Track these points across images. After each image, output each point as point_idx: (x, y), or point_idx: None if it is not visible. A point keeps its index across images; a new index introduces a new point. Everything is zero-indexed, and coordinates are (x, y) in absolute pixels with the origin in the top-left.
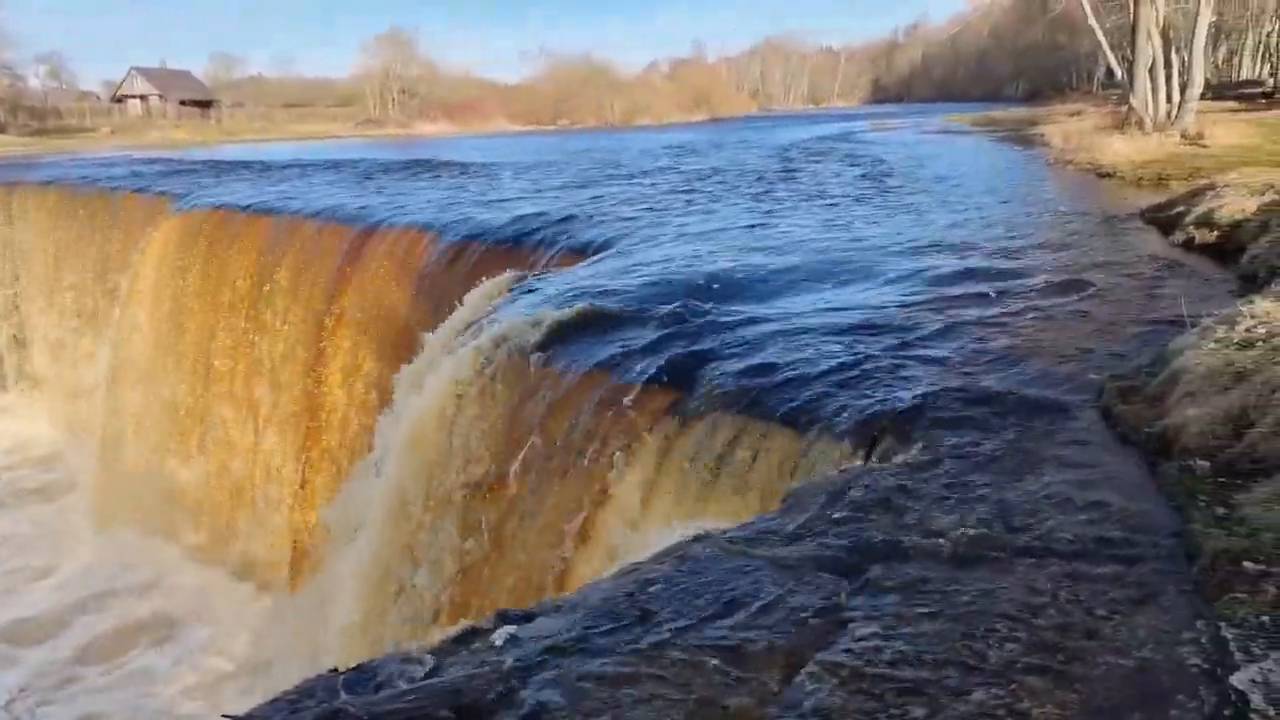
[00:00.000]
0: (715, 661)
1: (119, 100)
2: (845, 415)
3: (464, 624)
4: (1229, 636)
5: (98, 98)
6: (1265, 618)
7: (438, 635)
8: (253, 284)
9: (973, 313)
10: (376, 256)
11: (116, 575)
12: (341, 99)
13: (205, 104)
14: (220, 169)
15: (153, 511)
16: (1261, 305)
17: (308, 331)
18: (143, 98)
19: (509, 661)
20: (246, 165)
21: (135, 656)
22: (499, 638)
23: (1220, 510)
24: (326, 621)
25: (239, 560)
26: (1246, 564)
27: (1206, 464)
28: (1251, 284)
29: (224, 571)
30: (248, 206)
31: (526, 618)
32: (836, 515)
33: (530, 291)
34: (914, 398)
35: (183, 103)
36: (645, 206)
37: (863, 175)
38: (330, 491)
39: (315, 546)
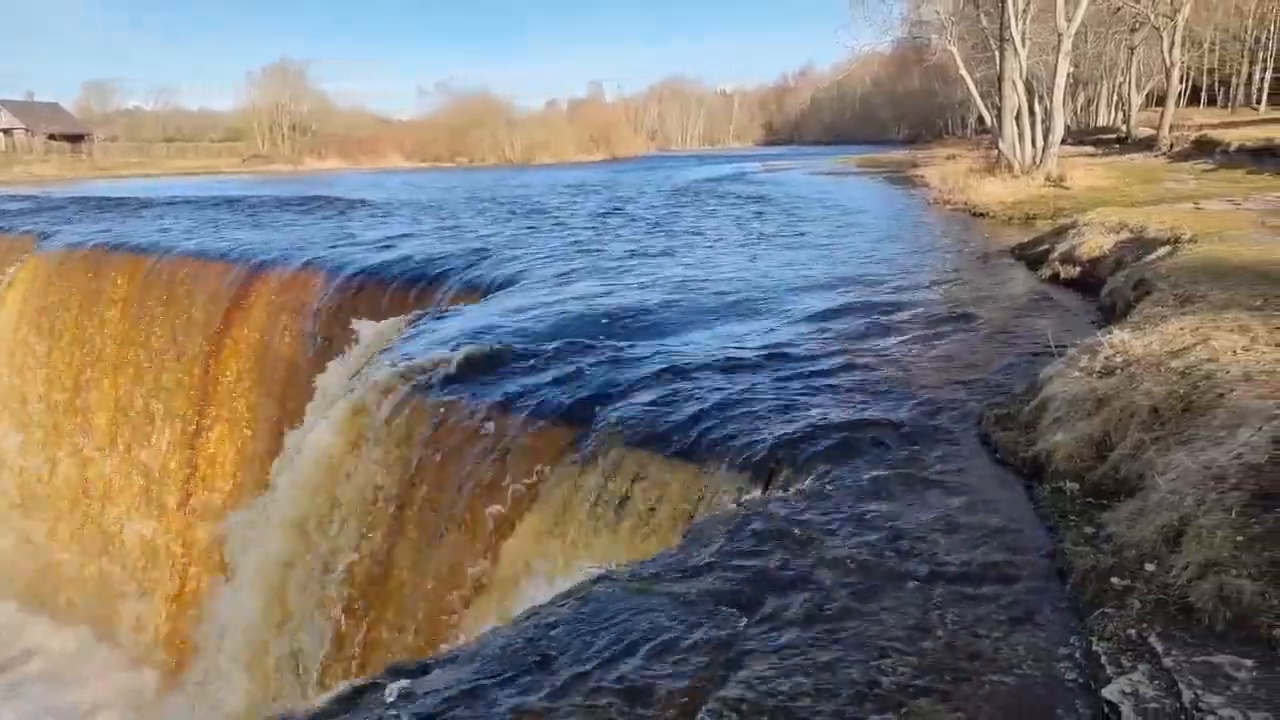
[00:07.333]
0: (615, 704)
1: None
2: (743, 448)
3: (353, 681)
4: (1100, 651)
5: None
6: (1132, 631)
7: (326, 695)
8: (127, 329)
9: (860, 346)
10: (265, 297)
11: None
12: (228, 133)
13: (76, 138)
14: (89, 206)
15: (19, 581)
16: (1119, 335)
17: (190, 379)
18: (6, 131)
19: (401, 719)
20: (120, 203)
21: None
22: (391, 693)
23: (1089, 529)
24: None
25: (116, 629)
26: (1114, 580)
27: (1075, 485)
28: (1111, 315)
29: (99, 642)
30: (119, 245)
31: (421, 670)
32: (736, 548)
33: (427, 331)
34: (807, 429)
35: (51, 137)
36: (545, 244)
37: (755, 215)
38: (214, 551)
39: (198, 606)
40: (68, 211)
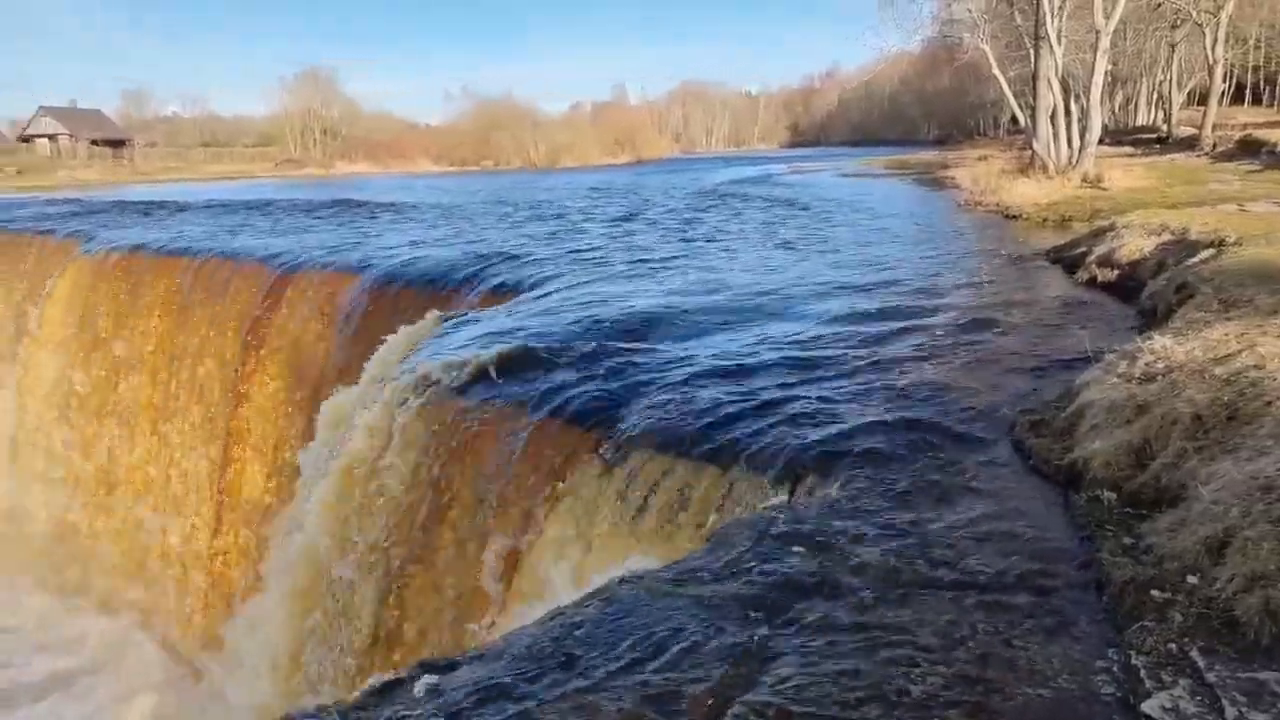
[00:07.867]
0: (640, 706)
1: (26, 140)
2: (769, 452)
3: (383, 676)
4: (1139, 665)
5: (3, 137)
6: (1172, 645)
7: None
8: (166, 329)
9: (889, 351)
10: (297, 298)
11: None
12: (260, 138)
13: (117, 143)
14: (131, 209)
15: (61, 570)
16: (1160, 341)
17: (225, 377)
18: (51, 137)
19: (429, 713)
20: (160, 206)
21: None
22: (420, 689)
23: (1127, 540)
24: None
25: (152, 618)
26: (1154, 592)
27: (1113, 495)
28: (1151, 320)
29: (136, 631)
30: (161, 247)
31: (450, 667)
32: (761, 553)
33: (455, 332)
34: (836, 434)
35: (94, 142)
36: (571, 247)
37: (782, 219)
38: (249, 546)
39: (230, 605)
40: (109, 214)
